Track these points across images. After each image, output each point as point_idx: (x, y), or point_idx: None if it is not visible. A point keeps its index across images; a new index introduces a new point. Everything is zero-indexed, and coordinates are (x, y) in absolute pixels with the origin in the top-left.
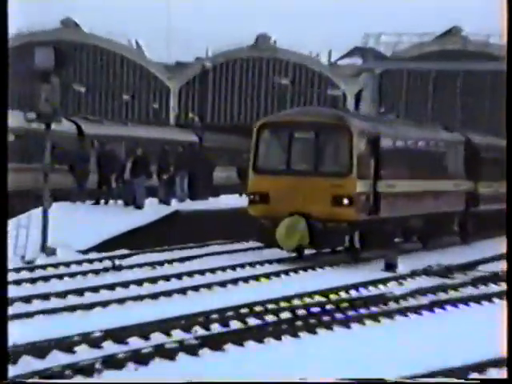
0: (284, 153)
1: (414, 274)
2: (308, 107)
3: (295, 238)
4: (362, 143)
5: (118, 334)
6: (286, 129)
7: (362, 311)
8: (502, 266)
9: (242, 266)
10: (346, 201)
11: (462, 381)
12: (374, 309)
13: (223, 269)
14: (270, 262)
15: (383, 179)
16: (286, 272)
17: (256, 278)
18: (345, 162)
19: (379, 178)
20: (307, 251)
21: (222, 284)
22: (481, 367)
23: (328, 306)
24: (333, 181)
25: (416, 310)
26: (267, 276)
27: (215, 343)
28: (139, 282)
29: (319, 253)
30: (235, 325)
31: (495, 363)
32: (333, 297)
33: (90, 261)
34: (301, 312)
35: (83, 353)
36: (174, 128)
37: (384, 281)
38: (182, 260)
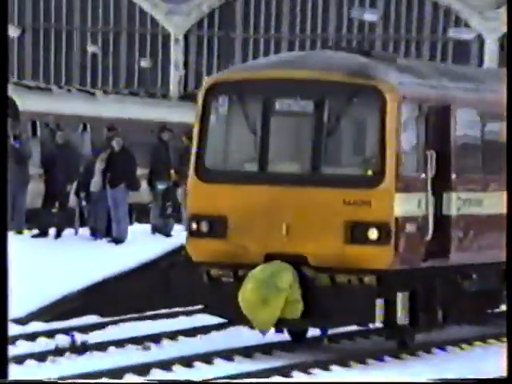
0: (255, 141)
1: None
2: (304, 52)
3: (274, 305)
4: (409, 121)
5: None
6: (259, 94)
7: None
8: None
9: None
10: (374, 233)
11: (462, 381)
12: None
13: None
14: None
15: (456, 190)
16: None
17: None
18: (372, 159)
19: (448, 188)
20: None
21: None
22: None
23: None
24: (349, 194)
25: None
26: None
27: None
28: (118, 374)
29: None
30: None
31: None
32: None
33: (32, 336)
34: None
35: None
36: (178, 102)
37: None
38: (190, 333)
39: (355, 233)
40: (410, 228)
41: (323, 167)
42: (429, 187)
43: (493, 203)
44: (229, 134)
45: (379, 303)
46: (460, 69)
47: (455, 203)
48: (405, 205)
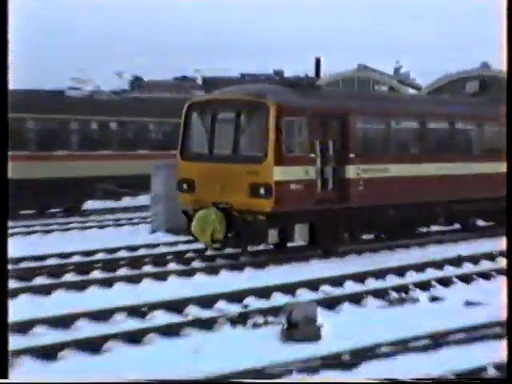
0: (208, 136)
1: None
2: (245, 85)
3: (207, 231)
4: (292, 124)
5: None
6: (211, 109)
7: None
8: None
9: None
10: (262, 190)
11: (462, 381)
12: None
13: None
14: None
15: (353, 163)
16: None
17: None
18: (262, 147)
19: (347, 162)
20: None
21: None
22: None
23: None
24: (250, 167)
25: None
26: None
27: None
28: None
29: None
30: None
31: None
32: None
33: None
34: None
35: None
36: None
37: None
38: None
39: (253, 190)
40: (294, 187)
41: (238, 151)
42: (318, 162)
43: (380, 170)
44: (195, 133)
45: (271, 231)
46: (372, 92)
47: (352, 171)
48: (285, 173)
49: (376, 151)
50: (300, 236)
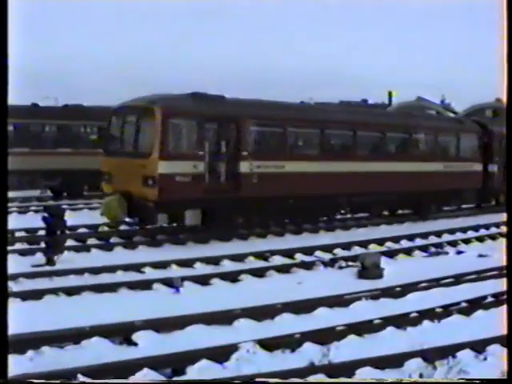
0: (119, 135)
1: None
2: (154, 94)
3: (111, 213)
4: (179, 127)
5: None
6: (123, 114)
7: None
8: None
9: None
10: (150, 181)
11: (462, 381)
12: None
13: None
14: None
15: (246, 160)
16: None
17: None
18: (151, 144)
19: (241, 159)
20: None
21: None
22: None
23: None
24: (142, 162)
25: None
26: None
27: None
28: None
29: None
30: None
31: None
32: None
33: None
34: None
35: None
36: None
37: None
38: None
39: (144, 181)
40: (180, 178)
41: (136, 149)
42: (206, 158)
43: (275, 167)
44: (113, 133)
45: (159, 215)
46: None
47: (245, 166)
48: (170, 167)
49: (271, 150)
50: (192, 219)
